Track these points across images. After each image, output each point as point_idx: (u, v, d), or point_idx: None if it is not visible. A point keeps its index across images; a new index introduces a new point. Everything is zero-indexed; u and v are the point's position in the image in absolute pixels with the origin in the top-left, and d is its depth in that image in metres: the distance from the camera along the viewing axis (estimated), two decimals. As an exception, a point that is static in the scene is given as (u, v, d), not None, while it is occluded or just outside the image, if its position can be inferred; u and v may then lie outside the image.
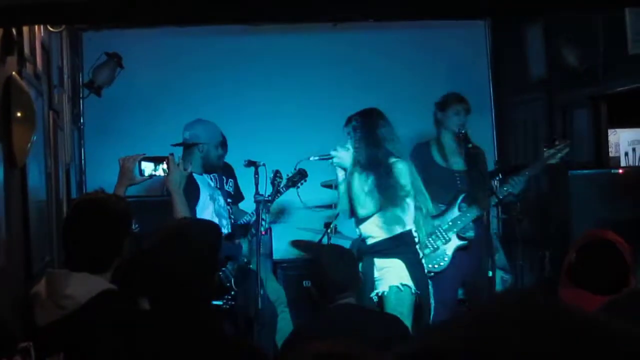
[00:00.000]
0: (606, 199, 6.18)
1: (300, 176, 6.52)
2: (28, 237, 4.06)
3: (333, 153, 5.76)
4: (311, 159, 5.91)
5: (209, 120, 6.42)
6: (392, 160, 5.69)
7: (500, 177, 6.70)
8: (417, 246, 5.76)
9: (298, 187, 6.50)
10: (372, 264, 5.72)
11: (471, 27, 8.66)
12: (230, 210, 6.56)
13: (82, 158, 7.93)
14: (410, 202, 5.74)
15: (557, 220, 7.35)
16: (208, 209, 6.08)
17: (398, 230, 5.71)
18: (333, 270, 4.11)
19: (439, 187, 6.32)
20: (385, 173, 5.65)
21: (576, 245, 2.73)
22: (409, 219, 5.75)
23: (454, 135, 6.42)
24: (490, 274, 5.94)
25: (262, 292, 5.92)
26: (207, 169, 6.30)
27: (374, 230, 5.76)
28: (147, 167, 4.76)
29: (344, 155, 5.74)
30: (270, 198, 6.22)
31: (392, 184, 5.64)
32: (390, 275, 5.65)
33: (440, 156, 6.50)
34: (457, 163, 6.47)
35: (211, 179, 6.44)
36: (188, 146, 6.23)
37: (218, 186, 6.49)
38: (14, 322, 3.34)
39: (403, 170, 5.69)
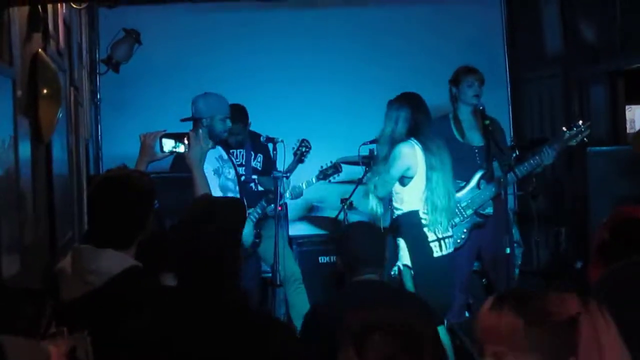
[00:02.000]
0: (624, 176, 6.15)
1: (334, 170, 6.66)
2: (53, 214, 4.07)
3: None
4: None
5: (219, 93, 6.28)
6: (402, 143, 5.70)
7: (518, 154, 6.65)
8: (426, 228, 5.69)
9: (329, 181, 6.64)
10: None
11: (487, 2, 8.63)
12: (248, 185, 6.60)
13: (99, 134, 7.95)
14: (416, 182, 5.71)
15: (573, 197, 7.34)
16: (212, 182, 6.06)
17: (404, 210, 5.74)
18: (360, 244, 4.12)
19: (458, 163, 6.27)
20: (393, 155, 5.69)
21: (608, 224, 2.73)
22: (413, 199, 5.72)
23: (471, 109, 6.37)
24: (508, 250, 5.87)
25: (280, 268, 5.96)
26: (216, 142, 6.25)
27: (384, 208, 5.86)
28: (168, 144, 4.75)
29: None
30: (288, 174, 6.25)
31: (399, 164, 5.67)
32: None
33: (458, 132, 6.43)
34: (475, 138, 6.42)
35: (230, 154, 6.45)
36: (193, 120, 6.15)
37: (243, 162, 6.51)
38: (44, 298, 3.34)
39: (406, 152, 5.68)
